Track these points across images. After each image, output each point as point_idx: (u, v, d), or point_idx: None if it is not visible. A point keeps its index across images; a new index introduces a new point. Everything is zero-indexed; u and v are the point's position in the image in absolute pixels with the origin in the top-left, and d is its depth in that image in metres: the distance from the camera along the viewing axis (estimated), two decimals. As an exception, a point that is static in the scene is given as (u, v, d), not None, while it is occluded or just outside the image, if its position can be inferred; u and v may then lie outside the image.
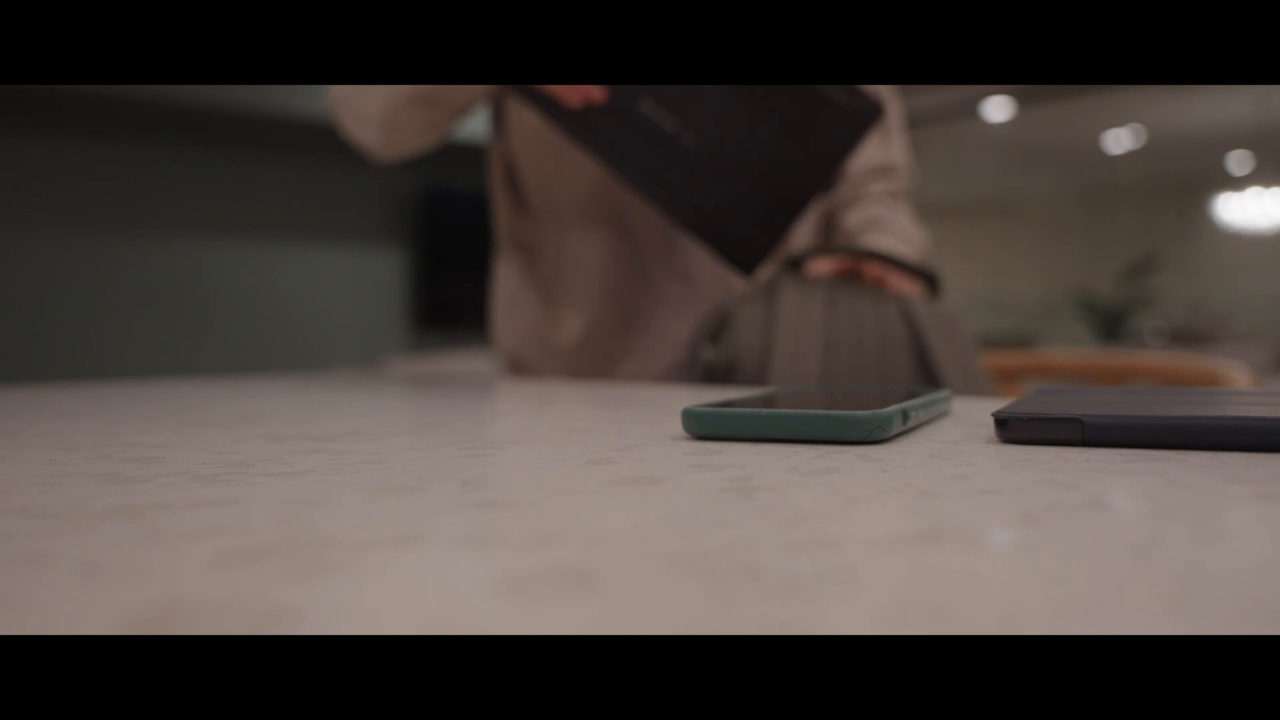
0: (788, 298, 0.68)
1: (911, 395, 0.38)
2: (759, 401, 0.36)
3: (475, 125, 3.22)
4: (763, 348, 0.69)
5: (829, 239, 0.96)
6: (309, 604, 0.14)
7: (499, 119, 0.92)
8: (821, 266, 0.78)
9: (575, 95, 0.69)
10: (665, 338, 0.88)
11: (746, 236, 0.68)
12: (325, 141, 3.27)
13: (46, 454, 0.31)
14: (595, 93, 0.69)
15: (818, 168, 0.69)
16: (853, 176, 0.94)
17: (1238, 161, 5.93)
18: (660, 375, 0.88)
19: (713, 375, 0.72)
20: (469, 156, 3.56)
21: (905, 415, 0.33)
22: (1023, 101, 4.13)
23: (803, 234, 0.92)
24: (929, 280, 0.75)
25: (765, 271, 0.74)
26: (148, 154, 3.05)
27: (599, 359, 0.89)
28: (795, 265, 0.71)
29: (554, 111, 0.71)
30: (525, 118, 0.87)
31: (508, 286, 0.94)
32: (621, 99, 0.70)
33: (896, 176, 0.95)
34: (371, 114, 0.79)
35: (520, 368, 0.93)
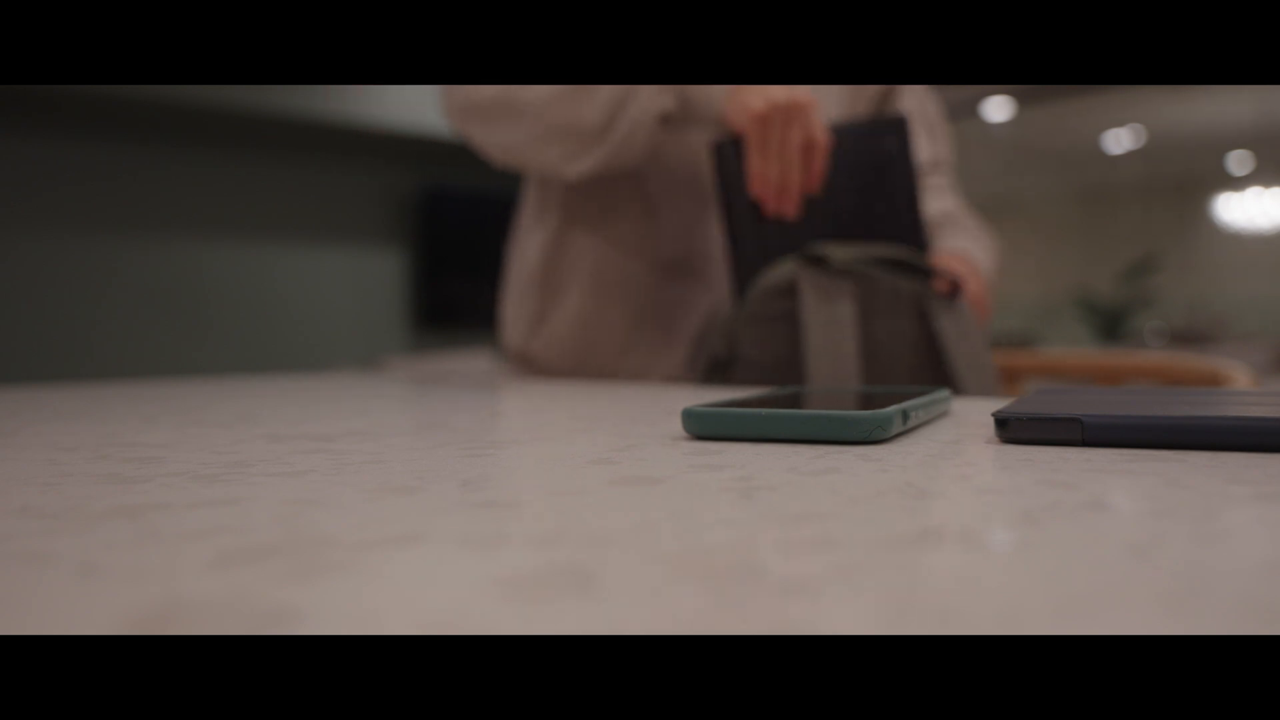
0: (809, 298, 0.68)
1: (911, 395, 0.38)
2: (759, 401, 0.36)
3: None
4: (775, 347, 0.69)
5: None
6: (309, 604, 0.14)
7: None
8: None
9: (769, 197, 0.73)
10: (674, 334, 0.88)
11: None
12: (325, 141, 3.27)
13: (46, 454, 0.31)
14: (789, 209, 0.74)
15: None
16: (931, 219, 0.97)
17: (1238, 161, 5.92)
18: (666, 373, 0.88)
19: (715, 368, 0.72)
20: (469, 156, 3.56)
21: (905, 415, 0.33)
22: (1023, 101, 4.13)
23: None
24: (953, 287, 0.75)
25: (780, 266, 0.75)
26: (148, 154, 3.05)
27: (603, 351, 0.89)
28: (816, 261, 0.70)
29: (725, 181, 0.75)
30: None
31: (522, 268, 0.94)
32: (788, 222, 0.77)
33: (944, 171, 0.98)
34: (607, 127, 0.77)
35: (526, 361, 0.93)
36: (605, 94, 0.76)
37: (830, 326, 0.66)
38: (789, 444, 0.31)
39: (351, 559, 0.16)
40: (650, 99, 0.75)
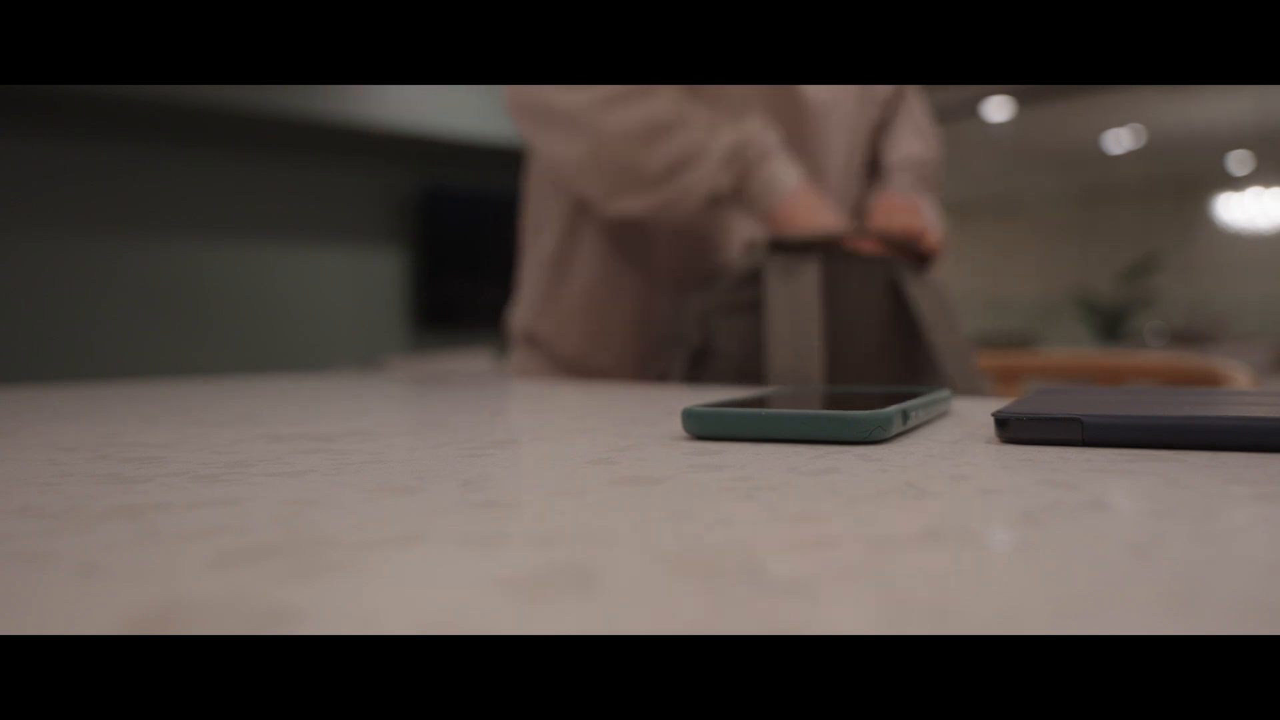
0: (773, 280, 0.69)
1: (911, 395, 0.38)
2: (759, 401, 0.36)
3: (475, 124, 3.22)
4: (750, 336, 0.70)
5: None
6: (309, 604, 0.14)
7: None
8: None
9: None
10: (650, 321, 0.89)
11: None
12: (325, 141, 3.27)
13: (46, 454, 0.31)
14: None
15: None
16: (887, 167, 0.96)
17: (1238, 161, 5.92)
18: (646, 355, 0.89)
19: (695, 359, 0.73)
20: (469, 156, 3.56)
21: (905, 415, 0.33)
22: (1023, 101, 4.13)
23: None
24: (919, 257, 0.76)
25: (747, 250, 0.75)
26: (148, 154, 3.05)
27: (610, 332, 0.89)
28: (781, 248, 0.71)
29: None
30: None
31: (535, 252, 0.94)
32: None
33: (925, 168, 0.98)
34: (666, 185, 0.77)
35: (532, 343, 0.94)
36: (671, 147, 0.76)
37: (793, 306, 0.67)
38: (789, 444, 0.31)
39: (351, 559, 0.16)
40: (711, 172, 0.76)
